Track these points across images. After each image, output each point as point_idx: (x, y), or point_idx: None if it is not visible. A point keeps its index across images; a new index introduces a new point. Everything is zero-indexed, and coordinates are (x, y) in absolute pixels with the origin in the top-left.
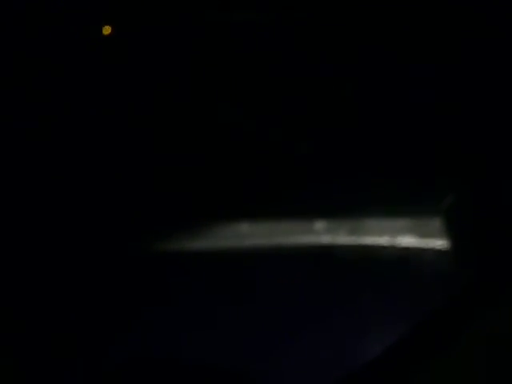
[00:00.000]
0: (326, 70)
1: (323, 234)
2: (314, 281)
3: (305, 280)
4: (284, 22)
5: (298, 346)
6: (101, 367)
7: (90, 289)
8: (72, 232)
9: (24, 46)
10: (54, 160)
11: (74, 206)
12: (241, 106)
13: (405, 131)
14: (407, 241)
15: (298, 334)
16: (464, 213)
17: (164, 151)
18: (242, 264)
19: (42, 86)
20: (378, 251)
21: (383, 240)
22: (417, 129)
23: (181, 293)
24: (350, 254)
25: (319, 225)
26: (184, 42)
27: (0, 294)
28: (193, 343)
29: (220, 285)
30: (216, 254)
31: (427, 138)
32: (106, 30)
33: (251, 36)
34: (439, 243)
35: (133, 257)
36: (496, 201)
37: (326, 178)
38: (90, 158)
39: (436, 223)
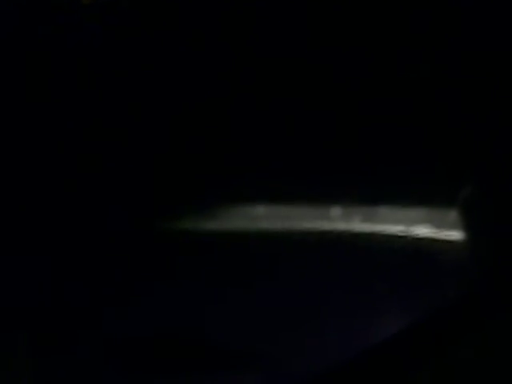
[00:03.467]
0: None
1: (337, 220)
2: (326, 266)
3: (317, 265)
4: None
5: (307, 330)
6: (113, 343)
7: (103, 267)
8: (85, 210)
9: None
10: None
11: (90, 181)
12: None
13: (423, 120)
14: (422, 231)
15: (308, 319)
16: (481, 205)
17: (178, 131)
18: (254, 246)
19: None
20: (393, 240)
21: (398, 229)
22: (436, 118)
23: (193, 273)
24: (364, 242)
25: (334, 211)
26: None
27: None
28: (202, 324)
29: (232, 266)
30: (230, 235)
31: (446, 128)
32: None
33: None
34: (455, 235)
35: (145, 236)
36: None
37: (342, 164)
38: (108, 133)
39: (452, 215)
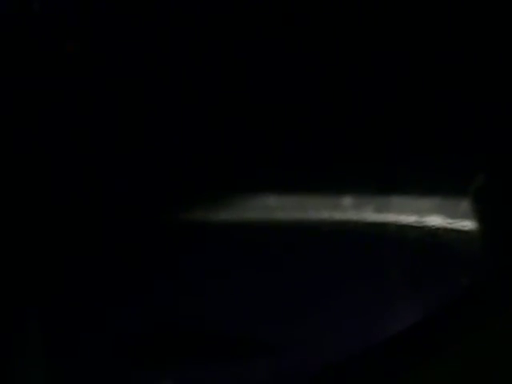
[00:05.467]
0: None
1: (350, 210)
2: (338, 256)
3: (328, 255)
4: None
5: (317, 319)
6: (117, 337)
7: (110, 258)
8: (95, 199)
9: None
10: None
11: (102, 171)
12: None
13: (435, 110)
14: (435, 221)
15: (319, 308)
16: (494, 195)
17: (191, 121)
18: (267, 236)
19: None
20: (405, 230)
21: (410, 219)
22: (447, 108)
23: (205, 263)
24: (376, 232)
25: (346, 200)
26: None
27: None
28: (211, 314)
29: (244, 256)
30: (242, 225)
31: (459, 117)
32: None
33: None
34: (467, 225)
35: (158, 226)
36: None
37: (355, 154)
38: (116, 123)
39: (465, 205)
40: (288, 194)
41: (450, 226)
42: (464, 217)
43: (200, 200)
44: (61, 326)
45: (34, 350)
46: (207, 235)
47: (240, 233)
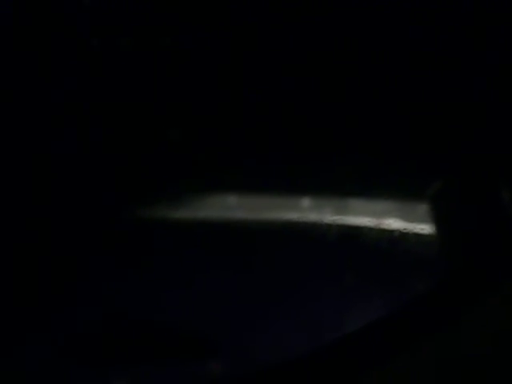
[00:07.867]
0: None
1: (309, 211)
2: (296, 257)
3: (286, 255)
4: None
5: (276, 319)
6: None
7: (70, 251)
8: (55, 195)
9: None
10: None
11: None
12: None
13: (393, 113)
14: (392, 224)
15: (277, 310)
16: (452, 199)
17: (147, 119)
18: (226, 235)
19: None
20: (363, 232)
21: (368, 221)
22: (408, 111)
23: (160, 262)
24: (334, 233)
25: (305, 202)
26: None
27: None
28: (163, 313)
29: (201, 256)
30: (200, 224)
31: (418, 121)
32: None
33: None
34: (425, 228)
35: (115, 224)
36: (486, 189)
37: (313, 155)
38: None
39: (423, 208)
40: (247, 193)
41: (407, 228)
42: (422, 220)
43: (158, 198)
44: (7, 326)
45: None
46: (165, 233)
47: (198, 232)
